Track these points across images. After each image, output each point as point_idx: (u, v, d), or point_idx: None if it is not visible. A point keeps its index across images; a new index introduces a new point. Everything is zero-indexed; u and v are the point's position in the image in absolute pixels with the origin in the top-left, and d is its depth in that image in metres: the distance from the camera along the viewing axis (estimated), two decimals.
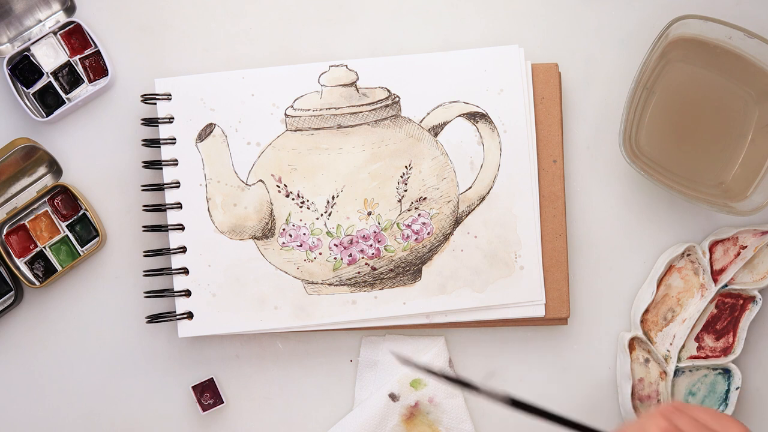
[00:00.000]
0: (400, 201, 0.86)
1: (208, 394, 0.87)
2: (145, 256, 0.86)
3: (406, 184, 0.86)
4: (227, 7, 0.90)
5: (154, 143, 0.87)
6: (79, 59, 0.89)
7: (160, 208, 0.86)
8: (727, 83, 0.87)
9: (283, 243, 0.86)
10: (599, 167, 0.90)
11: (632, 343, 0.87)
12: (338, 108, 0.86)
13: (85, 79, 0.89)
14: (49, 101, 0.89)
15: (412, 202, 0.86)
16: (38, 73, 0.89)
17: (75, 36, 0.89)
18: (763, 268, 0.88)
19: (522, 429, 0.89)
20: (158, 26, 0.90)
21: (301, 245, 0.86)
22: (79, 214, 0.88)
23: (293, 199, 0.86)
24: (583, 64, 0.90)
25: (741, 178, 0.87)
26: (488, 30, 0.90)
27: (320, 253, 0.86)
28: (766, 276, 0.88)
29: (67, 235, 0.88)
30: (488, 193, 0.86)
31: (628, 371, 0.87)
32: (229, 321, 0.86)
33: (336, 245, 0.86)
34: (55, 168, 0.88)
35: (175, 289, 0.86)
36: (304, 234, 0.86)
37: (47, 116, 0.88)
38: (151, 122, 0.87)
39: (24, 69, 0.88)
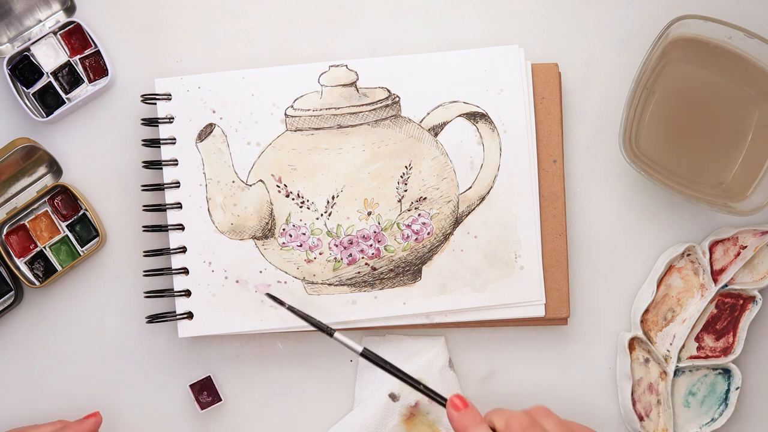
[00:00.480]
0: (400, 201, 0.86)
1: (206, 392, 0.88)
2: (145, 256, 0.86)
3: (406, 184, 0.86)
4: (227, 7, 0.90)
5: (154, 143, 0.87)
6: (79, 59, 0.89)
7: (160, 208, 0.86)
8: (727, 83, 0.87)
9: (283, 243, 0.86)
10: (599, 167, 0.90)
11: (632, 343, 0.87)
12: (338, 108, 0.86)
13: (85, 79, 0.89)
14: (49, 101, 0.89)
15: (412, 202, 0.86)
16: (38, 73, 0.89)
17: (75, 36, 0.89)
18: (763, 268, 0.88)
19: None
20: (158, 26, 0.90)
21: (301, 245, 0.86)
22: (79, 214, 0.88)
23: (293, 199, 0.86)
24: (583, 64, 0.90)
25: (741, 178, 0.87)
26: (488, 30, 0.90)
27: (320, 253, 0.86)
28: (766, 276, 0.88)
29: (67, 235, 0.88)
30: (488, 193, 0.86)
31: (628, 371, 0.87)
32: (229, 321, 0.86)
33: (336, 245, 0.86)
34: (55, 168, 0.88)
35: (175, 289, 0.86)
36: (304, 234, 0.86)
37: (47, 116, 0.88)
38: (151, 122, 0.87)
39: (24, 69, 0.88)
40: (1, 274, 0.88)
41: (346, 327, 0.87)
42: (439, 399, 0.76)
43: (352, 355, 0.89)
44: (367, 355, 0.76)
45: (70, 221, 0.88)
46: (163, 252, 0.86)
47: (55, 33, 0.89)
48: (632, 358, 0.87)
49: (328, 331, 0.77)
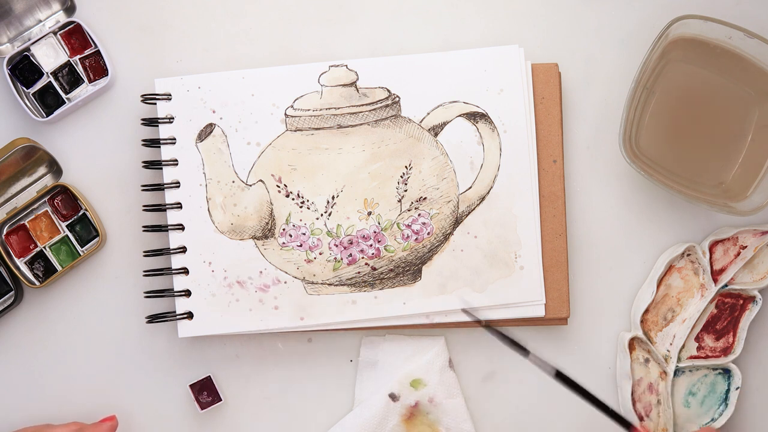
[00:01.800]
0: (400, 201, 0.86)
1: (206, 392, 0.88)
2: (145, 256, 0.86)
3: (406, 184, 0.86)
4: (227, 7, 0.90)
5: (154, 143, 0.87)
6: (79, 59, 0.89)
7: (160, 208, 0.86)
8: (727, 83, 0.87)
9: (283, 243, 0.86)
10: (599, 167, 0.90)
11: (632, 343, 0.87)
12: (338, 108, 0.86)
13: (85, 79, 0.89)
14: (49, 101, 0.89)
15: (412, 202, 0.86)
16: (38, 73, 0.89)
17: (75, 36, 0.89)
18: (763, 268, 0.88)
19: (522, 428, 0.89)
20: (158, 26, 0.90)
21: (301, 245, 0.86)
22: (79, 214, 0.88)
23: (293, 199, 0.86)
24: (583, 64, 0.90)
25: (741, 178, 0.87)
26: (488, 30, 0.90)
27: (320, 253, 0.86)
28: (766, 276, 0.88)
29: (67, 235, 0.88)
30: (488, 193, 0.86)
31: (628, 371, 0.87)
32: (229, 321, 0.86)
33: (336, 245, 0.86)
34: (55, 168, 0.88)
35: (175, 289, 0.86)
36: (304, 234, 0.86)
37: (47, 116, 0.88)
38: (151, 122, 0.87)
39: (24, 69, 0.88)
40: (1, 274, 0.88)
41: (346, 327, 0.87)
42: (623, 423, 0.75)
43: (352, 354, 0.89)
44: (562, 377, 0.75)
45: (70, 221, 0.88)
46: (163, 252, 0.86)
47: (55, 33, 0.89)
48: (632, 358, 0.87)
49: (523, 351, 0.75)
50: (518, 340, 0.75)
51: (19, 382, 0.89)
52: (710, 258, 0.88)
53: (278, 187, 0.86)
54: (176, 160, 0.86)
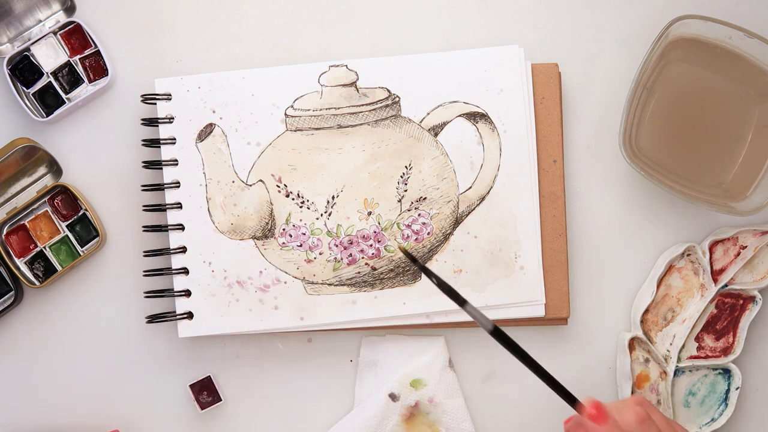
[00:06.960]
0: (400, 201, 0.86)
1: (206, 392, 0.88)
2: (145, 256, 0.86)
3: (406, 184, 0.86)
4: (227, 7, 0.90)
5: (154, 143, 0.87)
6: (79, 59, 0.89)
7: (160, 208, 0.87)
8: (727, 83, 0.87)
9: (283, 243, 0.86)
10: (599, 167, 0.90)
11: (632, 343, 0.87)
12: (338, 108, 0.86)
13: (85, 79, 0.89)
14: (49, 101, 0.89)
15: (412, 202, 0.86)
16: (38, 73, 0.89)
17: (75, 36, 0.89)
18: (763, 268, 0.88)
19: (522, 428, 0.89)
20: (158, 26, 0.90)
21: (301, 245, 0.86)
22: (79, 214, 0.88)
23: (293, 199, 0.86)
24: (583, 64, 0.90)
25: (741, 178, 0.87)
26: (488, 30, 0.90)
27: (320, 253, 0.86)
28: (766, 276, 0.88)
29: (67, 235, 0.88)
30: (488, 193, 0.86)
31: (628, 371, 0.87)
32: (229, 321, 0.86)
33: (336, 245, 0.86)
34: (55, 168, 0.88)
35: (175, 289, 0.86)
36: (304, 234, 0.86)
37: (47, 116, 0.88)
38: (151, 122, 0.87)
39: (24, 69, 0.88)
40: (1, 274, 0.88)
41: (346, 327, 0.87)
42: (568, 398, 0.75)
43: (352, 355, 0.89)
44: (498, 334, 0.73)
45: (70, 221, 0.88)
46: (163, 252, 0.86)
47: (55, 33, 0.89)
48: (632, 358, 0.87)
49: (459, 301, 0.73)
50: (456, 288, 0.73)
51: (18, 382, 0.89)
52: (710, 258, 0.88)
53: (278, 187, 0.86)
54: (176, 160, 0.86)
